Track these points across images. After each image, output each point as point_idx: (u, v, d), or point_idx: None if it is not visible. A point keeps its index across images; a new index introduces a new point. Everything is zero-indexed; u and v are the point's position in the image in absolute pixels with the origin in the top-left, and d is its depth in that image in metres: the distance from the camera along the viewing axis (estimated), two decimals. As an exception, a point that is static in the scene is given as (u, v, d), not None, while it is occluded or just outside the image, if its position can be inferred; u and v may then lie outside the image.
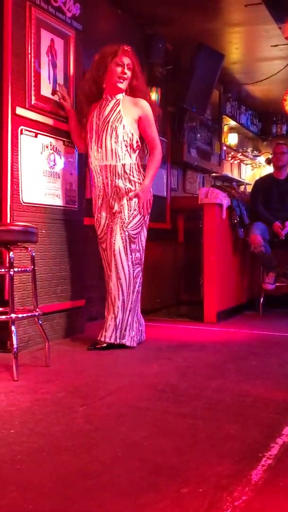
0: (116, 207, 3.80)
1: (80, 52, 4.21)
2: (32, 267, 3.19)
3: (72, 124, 4.04)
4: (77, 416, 2.36)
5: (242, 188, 8.83)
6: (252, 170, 9.89)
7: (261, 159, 9.57)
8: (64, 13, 4.01)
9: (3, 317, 3.03)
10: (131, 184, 3.80)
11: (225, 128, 8.25)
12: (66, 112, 4.02)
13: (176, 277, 6.07)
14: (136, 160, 3.85)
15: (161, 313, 5.53)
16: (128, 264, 3.77)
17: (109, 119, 3.79)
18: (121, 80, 3.80)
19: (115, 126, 3.77)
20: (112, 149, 3.75)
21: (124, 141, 3.77)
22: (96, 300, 4.36)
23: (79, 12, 4.16)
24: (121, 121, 3.78)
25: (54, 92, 3.94)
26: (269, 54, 6.42)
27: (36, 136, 3.76)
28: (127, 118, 3.80)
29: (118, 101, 3.84)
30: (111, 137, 3.75)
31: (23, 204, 3.63)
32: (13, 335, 2.95)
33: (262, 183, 5.73)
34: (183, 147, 6.36)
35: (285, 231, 5.35)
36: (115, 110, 3.81)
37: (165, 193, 6.10)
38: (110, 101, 3.84)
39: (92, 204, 3.95)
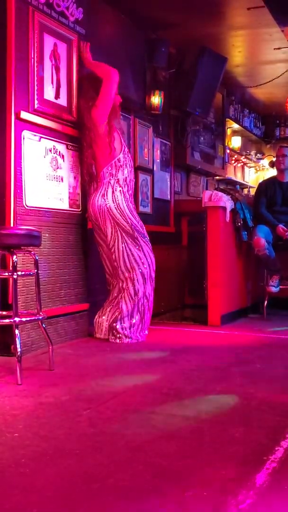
0: None
1: (83, 56, 4.22)
2: (36, 270, 3.19)
3: None
4: (81, 420, 2.36)
5: (245, 191, 8.82)
6: (256, 173, 9.88)
7: (265, 162, 9.56)
8: (67, 18, 4.02)
9: (7, 320, 3.04)
10: None
11: (229, 131, 8.25)
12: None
13: (180, 281, 6.06)
14: None
15: (165, 316, 5.52)
16: None
17: None
18: None
19: None
20: None
21: None
22: (100, 304, 4.35)
23: (82, 17, 4.17)
24: None
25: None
26: (272, 57, 6.42)
27: (39, 140, 3.76)
28: None
29: None
30: None
31: (27, 207, 3.64)
32: (16, 338, 2.95)
33: (266, 186, 5.72)
34: (186, 151, 6.36)
35: (289, 233, 5.34)
36: None
37: (168, 197, 6.10)
38: None
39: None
